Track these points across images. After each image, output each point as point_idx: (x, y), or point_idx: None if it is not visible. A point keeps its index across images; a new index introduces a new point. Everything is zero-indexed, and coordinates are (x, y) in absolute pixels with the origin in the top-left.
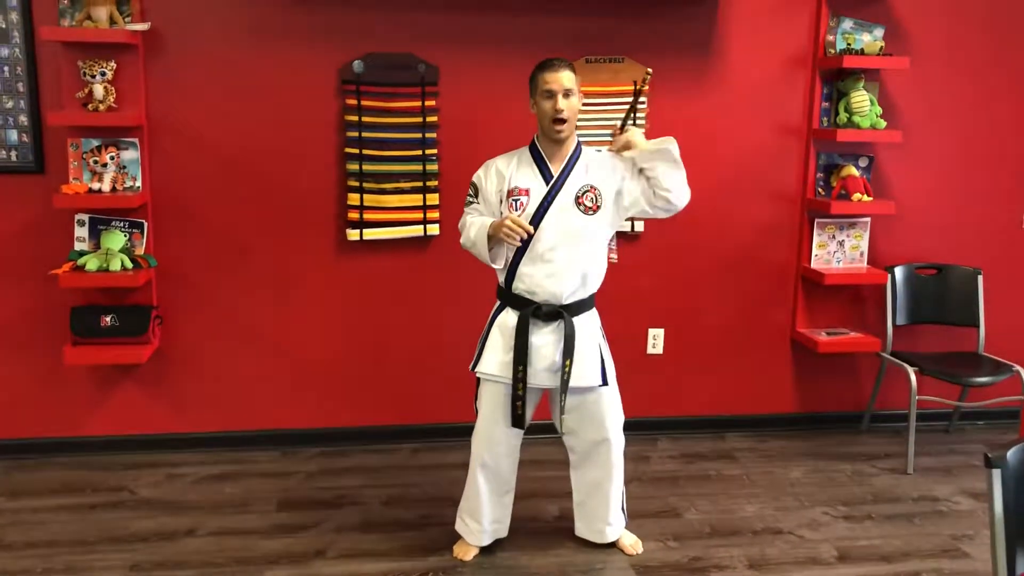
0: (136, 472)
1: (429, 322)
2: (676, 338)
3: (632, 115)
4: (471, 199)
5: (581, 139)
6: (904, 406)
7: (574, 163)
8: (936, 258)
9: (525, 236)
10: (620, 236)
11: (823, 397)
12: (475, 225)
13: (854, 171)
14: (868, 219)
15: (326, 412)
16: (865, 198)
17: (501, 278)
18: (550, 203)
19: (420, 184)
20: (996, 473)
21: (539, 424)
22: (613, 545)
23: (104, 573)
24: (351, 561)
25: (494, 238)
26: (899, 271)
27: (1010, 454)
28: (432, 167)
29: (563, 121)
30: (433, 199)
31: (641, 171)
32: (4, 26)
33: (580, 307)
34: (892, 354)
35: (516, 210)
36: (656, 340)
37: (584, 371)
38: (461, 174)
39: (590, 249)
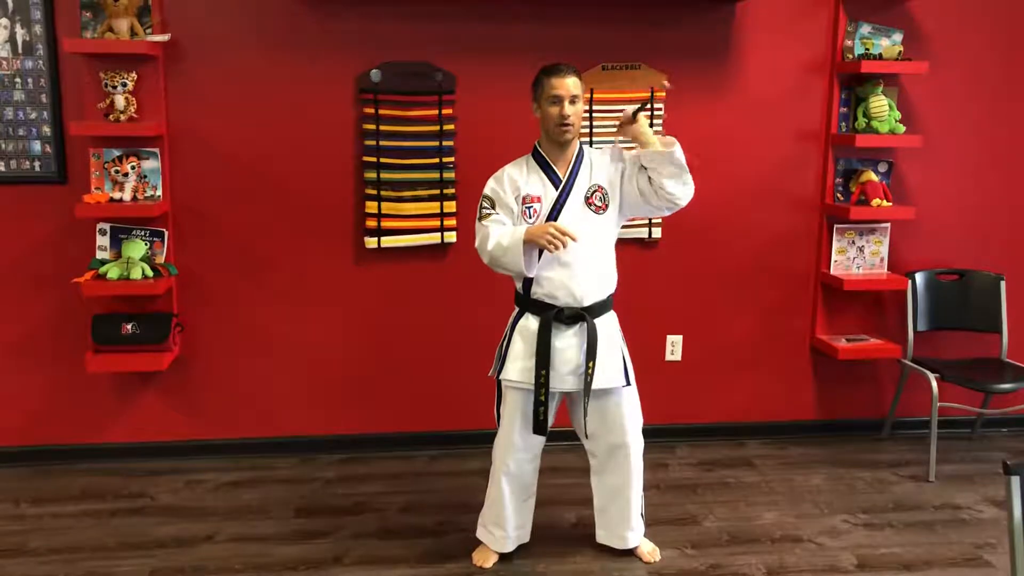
0: (156, 479)
1: (447, 329)
2: (694, 345)
3: (642, 107)
4: (488, 210)
5: (597, 145)
6: (925, 413)
7: (579, 165)
8: (958, 263)
9: (568, 243)
10: (637, 243)
11: (843, 404)
12: (505, 234)
13: (873, 176)
14: (888, 224)
15: (344, 419)
16: (885, 203)
17: (519, 284)
18: (562, 207)
19: (437, 192)
20: (1015, 480)
21: (557, 431)
22: (631, 552)
23: None
24: (369, 567)
25: (530, 243)
26: (920, 277)
27: None
28: (449, 175)
29: (570, 125)
30: (450, 206)
31: (643, 168)
32: (28, 39)
33: (600, 308)
34: (913, 360)
35: (530, 218)
36: (674, 347)
37: (607, 372)
38: (478, 181)
39: (603, 249)
